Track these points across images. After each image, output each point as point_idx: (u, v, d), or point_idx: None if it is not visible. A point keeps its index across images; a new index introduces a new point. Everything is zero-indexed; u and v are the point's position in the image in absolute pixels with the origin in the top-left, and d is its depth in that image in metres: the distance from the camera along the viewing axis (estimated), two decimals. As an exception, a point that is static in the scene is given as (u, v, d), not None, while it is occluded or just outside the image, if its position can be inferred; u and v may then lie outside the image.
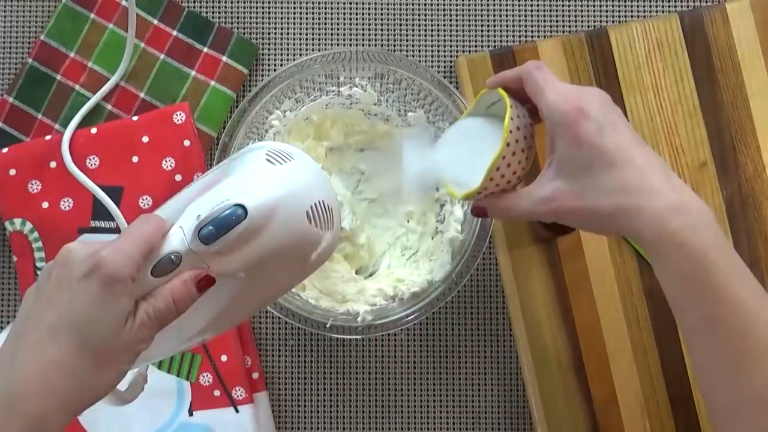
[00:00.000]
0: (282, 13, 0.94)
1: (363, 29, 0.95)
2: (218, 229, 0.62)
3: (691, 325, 0.66)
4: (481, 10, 0.94)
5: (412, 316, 0.84)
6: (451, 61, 0.94)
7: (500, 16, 0.94)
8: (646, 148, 0.68)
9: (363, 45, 0.94)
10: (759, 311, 0.64)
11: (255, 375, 0.91)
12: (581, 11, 0.94)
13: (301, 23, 0.94)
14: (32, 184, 0.91)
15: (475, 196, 0.73)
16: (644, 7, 0.94)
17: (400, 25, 0.94)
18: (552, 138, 0.69)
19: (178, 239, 0.63)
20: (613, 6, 0.94)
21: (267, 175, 0.65)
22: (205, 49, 0.93)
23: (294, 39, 0.94)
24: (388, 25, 0.94)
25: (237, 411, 0.89)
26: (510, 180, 0.72)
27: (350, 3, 0.94)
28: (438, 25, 0.94)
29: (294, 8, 0.94)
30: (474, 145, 0.75)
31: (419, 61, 0.93)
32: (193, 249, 0.62)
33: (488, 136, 0.74)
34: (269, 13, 0.94)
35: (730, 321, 0.63)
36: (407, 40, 0.94)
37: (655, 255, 0.66)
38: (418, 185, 0.84)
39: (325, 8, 0.94)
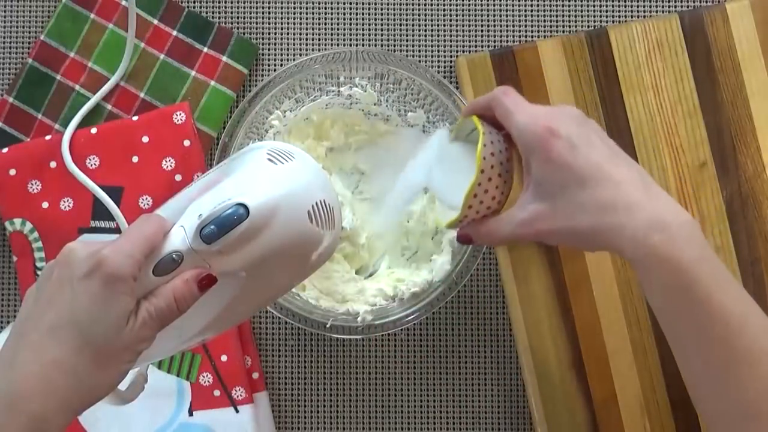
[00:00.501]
0: (282, 13, 0.94)
1: (363, 29, 0.95)
2: (220, 228, 0.62)
3: (679, 337, 0.66)
4: (481, 10, 0.94)
5: (412, 316, 0.83)
6: (451, 61, 0.94)
7: (500, 16, 0.94)
8: (622, 160, 0.68)
9: (363, 45, 0.94)
10: (746, 321, 0.63)
11: (255, 375, 0.91)
12: (581, 11, 0.94)
13: (301, 23, 0.94)
14: (32, 184, 0.91)
15: (459, 224, 0.74)
16: (644, 7, 0.94)
17: (400, 25, 0.94)
18: (526, 160, 0.69)
19: (179, 238, 0.63)
20: (613, 6, 0.94)
21: (268, 174, 0.65)
22: (205, 49, 0.93)
23: (294, 39, 0.94)
24: (388, 25, 0.94)
25: (237, 411, 0.89)
26: (490, 206, 0.72)
27: (350, 3, 0.94)
28: (438, 25, 0.94)
29: (294, 8, 0.94)
30: (453, 174, 0.76)
31: (419, 61, 0.93)
32: (194, 248, 0.62)
33: (466, 165, 0.74)
34: (269, 13, 0.94)
35: (718, 332, 0.63)
36: (407, 40, 0.94)
37: (638, 270, 0.65)
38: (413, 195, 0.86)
39: (325, 8, 0.94)
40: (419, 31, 0.94)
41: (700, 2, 0.95)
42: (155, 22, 0.94)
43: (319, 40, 0.95)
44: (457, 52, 0.94)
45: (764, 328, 0.64)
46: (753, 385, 0.63)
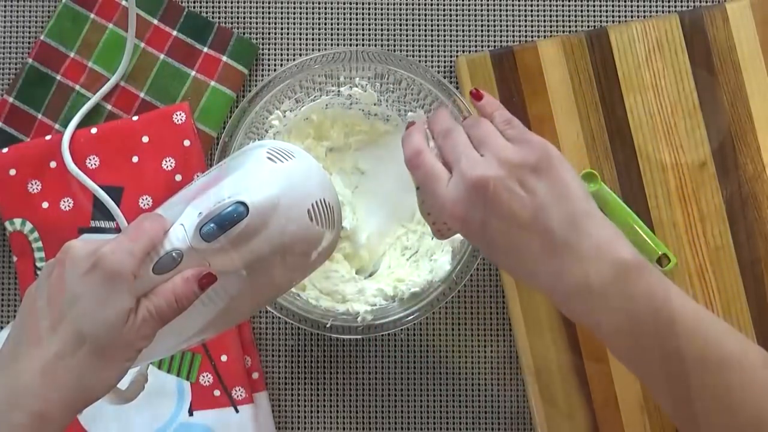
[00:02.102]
0: (282, 13, 0.94)
1: (363, 29, 0.95)
2: (220, 226, 0.62)
3: (650, 388, 0.66)
4: (481, 10, 0.94)
5: (412, 316, 0.83)
6: (451, 61, 0.94)
7: (500, 16, 0.94)
8: (537, 220, 0.64)
9: (363, 45, 0.94)
10: (703, 355, 0.62)
11: (255, 375, 0.91)
12: (581, 11, 0.94)
13: (301, 23, 0.94)
14: (32, 184, 0.91)
15: None
16: (644, 7, 0.94)
17: (400, 25, 0.94)
18: None
19: (179, 237, 0.63)
20: (613, 6, 0.94)
21: (268, 172, 0.65)
22: (205, 49, 0.93)
23: (294, 39, 0.95)
24: (388, 25, 0.94)
25: (237, 411, 0.89)
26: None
27: (350, 3, 0.94)
28: (438, 25, 0.94)
29: (294, 8, 0.94)
30: None
31: (419, 61, 0.93)
32: (194, 246, 0.62)
33: None
34: (269, 13, 0.94)
35: (676, 382, 0.63)
36: (407, 40, 0.94)
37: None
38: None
39: (325, 8, 0.94)
40: (419, 31, 0.94)
41: (700, 2, 0.95)
42: (155, 22, 0.94)
43: (319, 40, 0.95)
44: (457, 52, 0.94)
45: (719, 367, 0.63)
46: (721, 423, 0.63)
